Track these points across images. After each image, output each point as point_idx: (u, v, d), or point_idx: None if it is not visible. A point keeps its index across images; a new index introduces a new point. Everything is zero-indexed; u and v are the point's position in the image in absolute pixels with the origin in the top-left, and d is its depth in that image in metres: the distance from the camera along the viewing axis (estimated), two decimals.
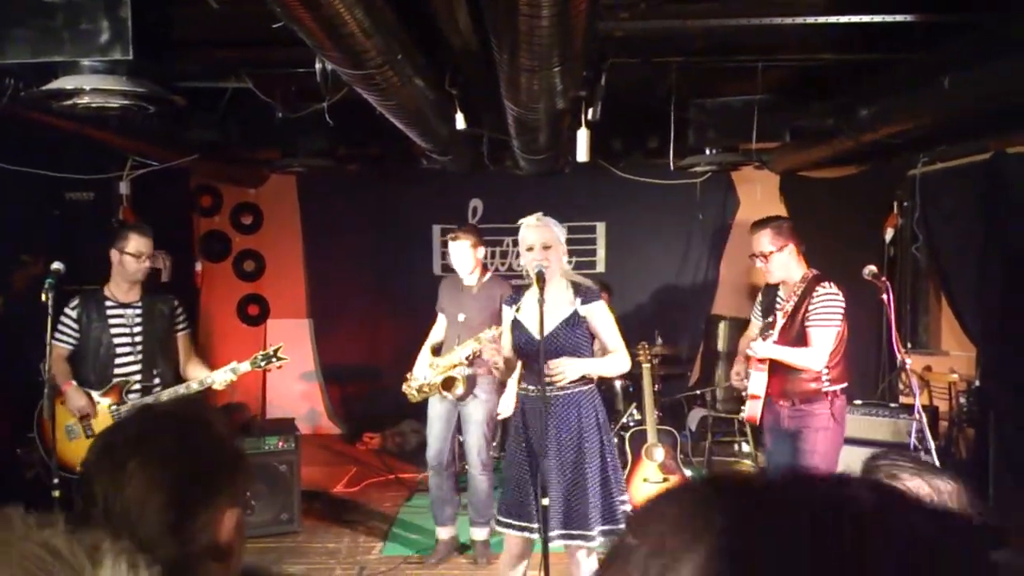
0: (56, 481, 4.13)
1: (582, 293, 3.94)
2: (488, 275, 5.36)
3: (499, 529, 4.05)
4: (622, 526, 3.83)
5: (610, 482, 3.88)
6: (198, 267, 8.33)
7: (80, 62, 3.39)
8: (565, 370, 3.77)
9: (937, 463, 3.86)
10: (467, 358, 5.00)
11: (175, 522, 1.33)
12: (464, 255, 5.23)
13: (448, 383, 5.07)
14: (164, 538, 1.32)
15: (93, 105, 3.53)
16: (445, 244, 8.43)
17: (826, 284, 4.29)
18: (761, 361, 4.39)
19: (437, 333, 5.42)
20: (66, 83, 3.42)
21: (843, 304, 4.27)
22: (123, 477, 1.34)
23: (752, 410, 4.48)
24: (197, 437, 1.43)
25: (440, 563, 5.33)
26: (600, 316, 3.96)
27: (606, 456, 3.88)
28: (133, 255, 4.53)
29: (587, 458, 3.83)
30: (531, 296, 3.88)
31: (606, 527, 3.82)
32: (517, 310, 3.96)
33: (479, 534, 5.38)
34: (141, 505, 1.33)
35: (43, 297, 4.08)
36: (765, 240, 4.40)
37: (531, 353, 3.86)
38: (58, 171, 5.92)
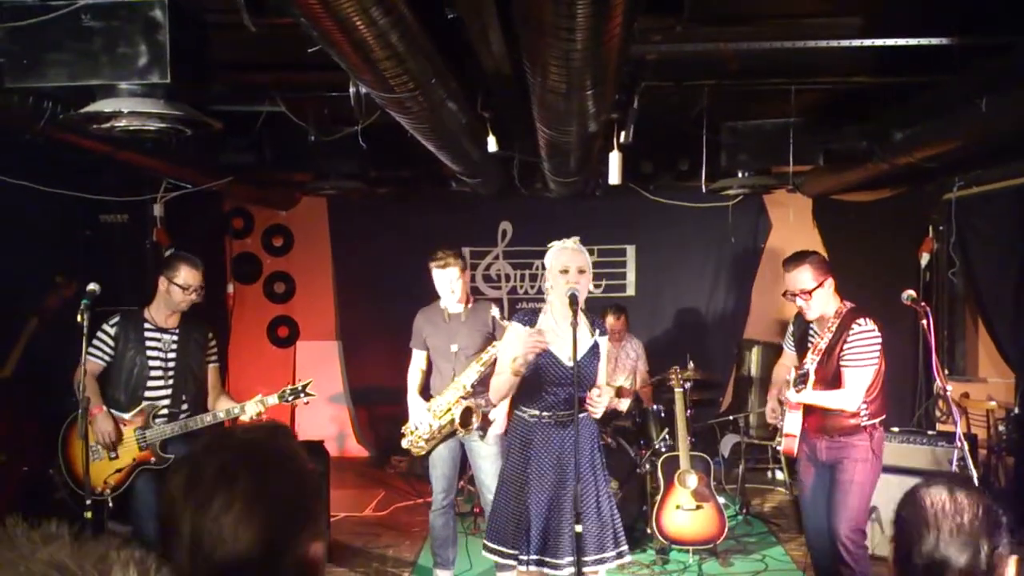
0: (89, 502, 4.13)
1: (598, 325, 3.97)
2: (471, 300, 5.07)
3: (490, 556, 3.94)
4: (625, 547, 3.83)
5: (611, 507, 3.92)
6: (230, 289, 8.39)
7: (117, 85, 3.41)
8: (605, 400, 3.77)
9: None
10: (472, 385, 4.79)
11: (264, 556, 1.31)
12: (454, 282, 4.87)
13: (466, 417, 4.79)
14: (254, 571, 1.30)
15: (130, 128, 3.54)
16: (475, 267, 8.48)
17: (862, 321, 4.13)
18: (796, 405, 4.31)
19: (417, 373, 5.06)
20: (104, 106, 3.44)
21: (880, 341, 4.14)
22: (211, 512, 1.31)
23: (788, 444, 4.38)
24: (283, 470, 1.41)
25: None
26: (605, 351, 3.99)
27: (601, 486, 3.90)
28: (181, 287, 4.55)
29: (599, 482, 3.85)
30: (551, 320, 3.84)
31: (612, 552, 3.84)
32: (538, 332, 3.88)
33: None
34: (230, 540, 1.30)
35: (79, 318, 4.10)
36: (806, 277, 4.19)
37: (556, 379, 3.80)
38: (93, 193, 5.98)
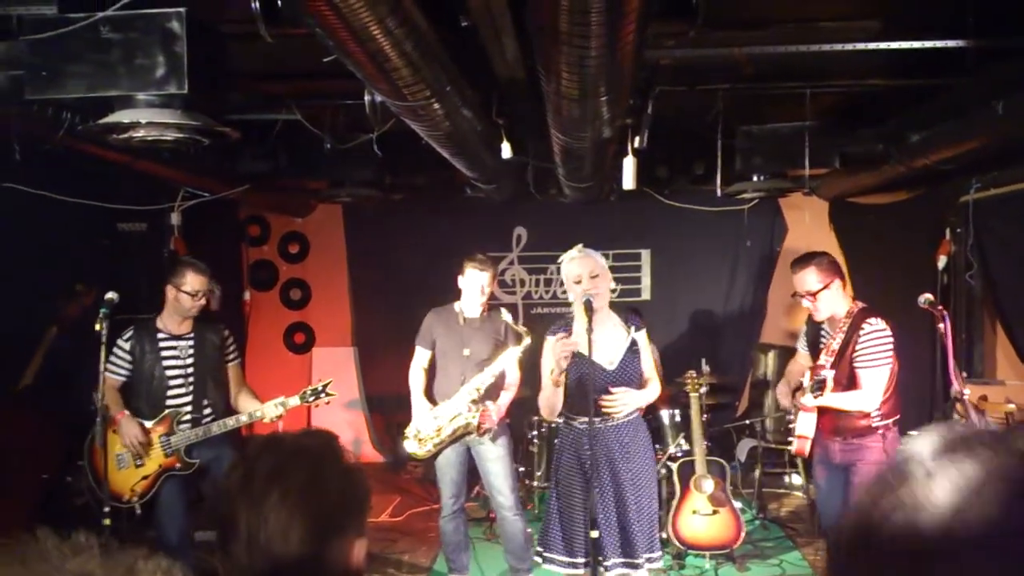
0: (107, 510, 4.17)
1: (632, 320, 3.96)
2: (486, 307, 5.04)
3: (555, 569, 3.96)
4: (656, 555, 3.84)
5: (653, 508, 3.99)
6: (246, 296, 8.44)
7: (136, 96, 3.44)
8: (628, 402, 3.78)
9: None
10: (478, 389, 4.79)
11: (314, 553, 1.40)
12: (483, 286, 4.89)
13: (481, 423, 4.80)
14: (303, 567, 1.38)
15: (148, 138, 3.58)
16: None
17: (873, 320, 4.13)
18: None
19: (420, 373, 5.04)
20: (122, 117, 3.47)
21: (892, 340, 4.14)
22: (265, 510, 1.40)
23: (800, 446, 4.38)
24: (330, 470, 1.49)
25: None
26: (645, 342, 4.02)
27: (654, 483, 3.99)
28: (189, 293, 4.58)
29: (644, 488, 3.90)
30: (582, 327, 3.85)
31: (651, 554, 3.89)
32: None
33: None
34: (283, 537, 1.38)
35: (97, 326, 4.14)
36: (811, 279, 4.23)
37: (601, 384, 3.83)
38: (111, 202, 6.02)
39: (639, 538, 3.79)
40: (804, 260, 4.32)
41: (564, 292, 7.92)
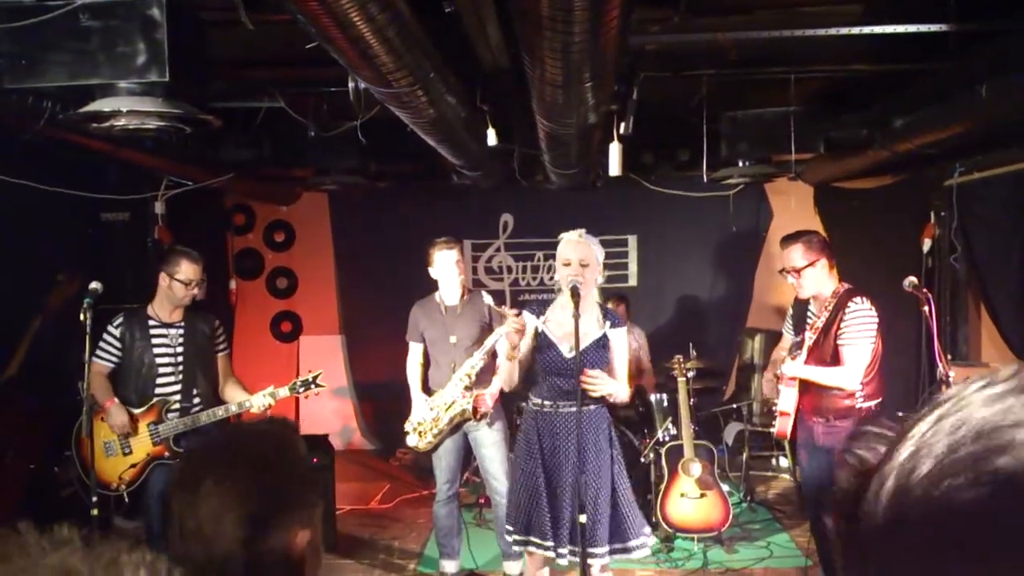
0: (95, 499, 4.16)
1: (610, 317, 3.96)
2: (467, 291, 5.05)
3: (514, 545, 4.03)
4: (632, 542, 3.82)
5: (622, 500, 3.92)
6: (232, 285, 8.41)
7: (117, 84, 3.42)
8: (602, 382, 3.77)
9: None
10: (476, 375, 4.79)
11: (247, 537, 1.35)
12: (456, 267, 4.89)
13: (476, 408, 4.83)
14: (236, 553, 1.35)
15: (130, 127, 3.56)
16: (476, 259, 8.49)
17: (858, 300, 4.17)
18: (791, 378, 4.32)
19: (416, 367, 5.06)
20: (103, 105, 3.45)
21: (876, 320, 4.17)
22: (199, 495, 1.37)
23: (782, 426, 4.40)
24: (269, 457, 1.45)
25: None
26: (620, 342, 3.98)
27: (615, 474, 3.92)
28: (183, 282, 4.57)
29: (602, 474, 3.86)
30: (559, 311, 3.85)
31: (616, 544, 3.85)
32: (544, 322, 3.91)
33: (514, 568, 5.08)
34: (215, 522, 1.35)
35: (81, 316, 4.11)
36: (796, 255, 4.29)
37: (558, 369, 3.84)
38: (94, 192, 5.98)
39: (595, 526, 3.78)
40: (793, 237, 4.38)
41: (551, 279, 7.92)
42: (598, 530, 3.79)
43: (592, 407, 3.87)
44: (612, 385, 3.86)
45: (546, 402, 3.88)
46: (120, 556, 0.88)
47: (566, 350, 3.80)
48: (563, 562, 3.86)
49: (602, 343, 3.90)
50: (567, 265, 3.84)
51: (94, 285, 4.22)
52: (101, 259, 6.07)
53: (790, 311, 4.65)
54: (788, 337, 4.63)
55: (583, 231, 3.94)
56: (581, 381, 3.72)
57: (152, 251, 6.59)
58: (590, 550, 3.73)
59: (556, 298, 3.94)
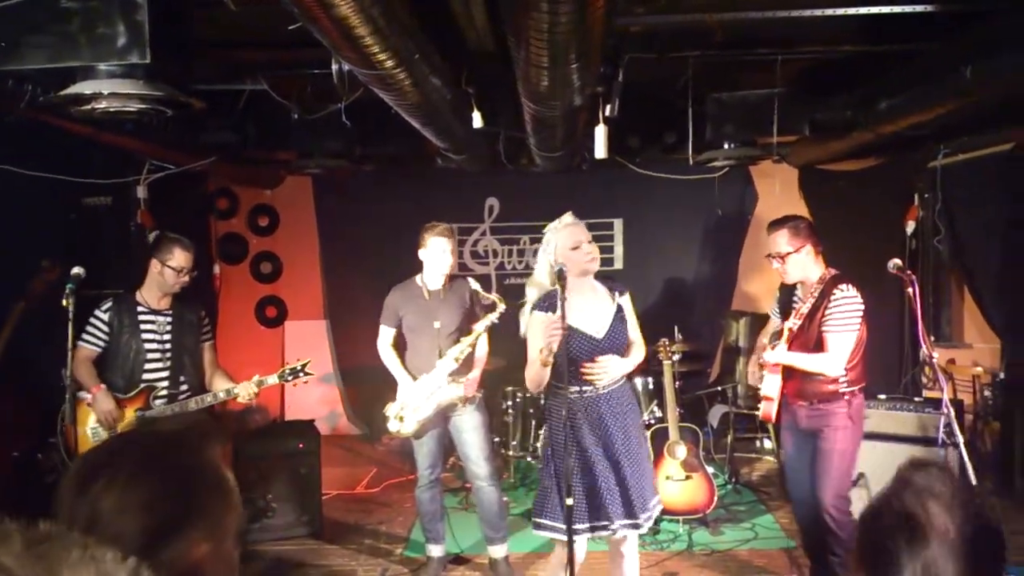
0: None
1: (615, 287, 3.98)
2: (448, 277, 4.98)
3: (557, 536, 3.88)
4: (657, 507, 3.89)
5: (648, 469, 4.03)
6: (216, 270, 8.36)
7: (97, 66, 3.38)
8: (611, 370, 3.78)
9: (967, 459, 3.79)
10: (456, 359, 4.77)
11: (142, 547, 1.21)
12: (448, 253, 4.83)
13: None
14: (120, 569, 1.24)
15: (111, 109, 3.52)
16: (462, 243, 8.46)
17: (844, 287, 4.17)
18: (775, 365, 4.34)
19: (390, 350, 5.01)
20: (84, 88, 3.41)
21: (862, 307, 4.17)
22: (87, 498, 1.25)
23: (767, 409, 4.42)
24: (175, 464, 1.33)
25: None
26: (629, 306, 4.01)
27: (644, 446, 4.02)
28: (175, 269, 4.57)
29: (637, 452, 3.90)
30: (570, 299, 3.80)
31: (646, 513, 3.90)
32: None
33: (498, 551, 5.07)
34: (106, 526, 1.23)
35: (64, 302, 4.09)
36: (782, 241, 4.28)
37: (590, 353, 3.82)
38: (76, 176, 5.92)
39: (637, 499, 3.81)
40: (779, 222, 4.37)
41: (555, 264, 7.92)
42: (643, 499, 3.85)
43: (620, 383, 3.92)
44: (623, 364, 3.88)
45: (586, 388, 3.83)
46: (63, 553, 0.82)
47: (594, 332, 3.81)
48: (619, 535, 3.89)
49: (620, 316, 3.93)
50: (576, 248, 3.82)
51: (76, 270, 4.20)
52: (83, 244, 6.01)
53: (776, 295, 4.65)
54: (775, 321, 4.64)
55: (571, 213, 3.93)
56: (584, 371, 3.76)
57: (135, 236, 6.55)
58: (648, 513, 3.87)
59: (557, 289, 3.86)
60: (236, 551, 1.36)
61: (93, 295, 4.62)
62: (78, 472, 1.30)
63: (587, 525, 3.83)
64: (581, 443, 3.83)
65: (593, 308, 3.82)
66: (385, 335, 5.03)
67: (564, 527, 3.71)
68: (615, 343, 3.85)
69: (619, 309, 3.92)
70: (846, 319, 4.13)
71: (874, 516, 1.46)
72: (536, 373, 3.78)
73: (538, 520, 3.94)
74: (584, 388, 3.83)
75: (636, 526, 3.84)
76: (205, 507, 1.31)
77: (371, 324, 5.13)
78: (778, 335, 4.34)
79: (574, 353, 3.78)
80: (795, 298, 4.40)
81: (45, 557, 0.81)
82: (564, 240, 3.86)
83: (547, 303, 3.86)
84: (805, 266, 4.28)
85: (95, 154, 5.98)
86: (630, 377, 4.39)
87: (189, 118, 4.35)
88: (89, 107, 3.52)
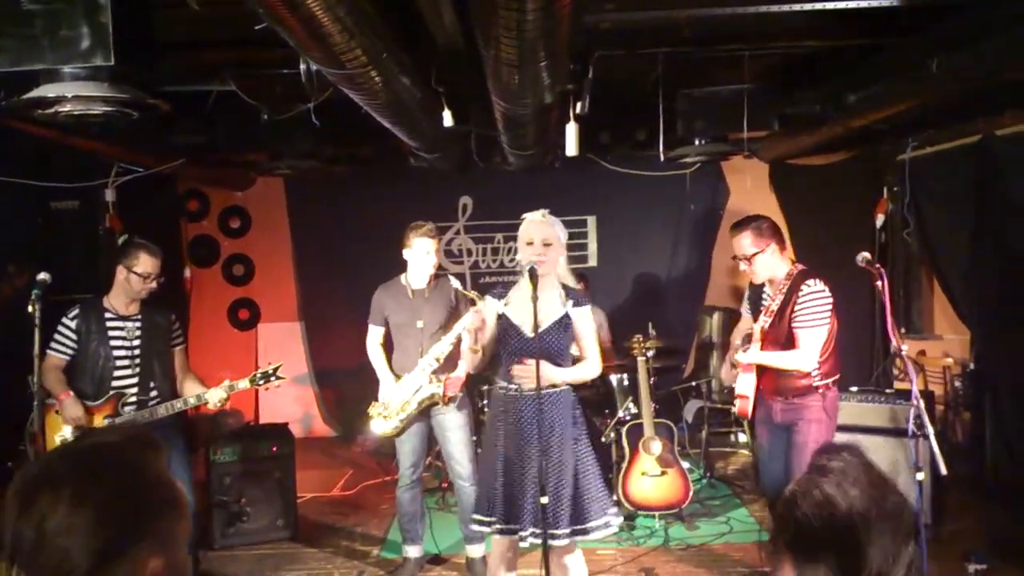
0: None
1: (573, 296, 3.92)
2: (433, 277, 4.99)
3: (479, 529, 3.97)
4: (592, 523, 3.79)
5: (583, 482, 3.84)
6: (187, 273, 8.28)
7: (61, 69, 3.33)
8: (532, 374, 3.69)
9: (936, 449, 3.83)
10: (437, 359, 4.77)
11: (90, 569, 1.22)
12: (431, 254, 4.86)
13: (444, 392, 4.82)
14: None
15: (75, 113, 3.48)
16: None
17: (811, 282, 4.19)
18: (748, 365, 4.36)
19: (378, 349, 5.01)
20: (47, 91, 3.36)
21: (830, 301, 4.20)
22: (30, 519, 1.22)
23: (742, 407, 4.45)
24: (118, 479, 1.29)
25: None
26: (585, 320, 3.93)
27: (579, 455, 3.86)
28: (141, 275, 4.51)
29: (565, 456, 3.82)
30: (520, 292, 3.83)
31: (576, 526, 3.79)
32: (506, 304, 3.90)
33: (476, 551, 5.08)
34: (52, 545, 1.21)
35: (30, 308, 4.03)
36: (747, 243, 4.31)
37: (520, 351, 3.81)
38: (42, 180, 5.86)
39: (553, 511, 3.73)
40: (742, 224, 4.38)
41: (511, 261, 7.91)
42: (560, 512, 3.76)
43: (557, 389, 3.85)
44: (559, 374, 3.82)
45: (511, 385, 3.85)
46: None
47: (527, 331, 3.78)
48: (525, 544, 3.82)
49: (564, 323, 3.87)
50: (530, 245, 3.81)
51: (42, 276, 4.13)
52: (51, 249, 5.94)
53: (747, 292, 4.67)
54: (747, 318, 4.66)
55: (546, 211, 3.92)
56: (512, 369, 3.76)
57: (104, 240, 6.47)
58: (551, 531, 3.71)
59: (519, 280, 3.90)
60: (188, 560, 1.34)
61: (60, 301, 4.56)
62: (18, 491, 1.26)
63: (495, 519, 3.81)
64: (501, 441, 3.85)
65: (538, 308, 3.77)
66: (373, 334, 5.04)
67: (483, 520, 3.85)
68: (544, 346, 3.76)
69: (565, 316, 3.87)
70: (815, 314, 4.15)
71: (794, 503, 1.50)
72: (469, 357, 3.92)
73: (476, 516, 3.96)
74: (511, 386, 3.84)
75: (551, 536, 3.69)
76: (154, 519, 1.29)
77: (345, 325, 5.12)
78: (748, 338, 4.35)
79: (506, 347, 3.84)
80: (764, 295, 4.42)
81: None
82: (520, 233, 3.89)
83: (499, 291, 3.95)
84: (772, 265, 4.31)
85: (62, 157, 5.91)
86: (601, 377, 4.40)
87: (156, 120, 4.30)
88: (53, 110, 3.47)
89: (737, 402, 4.45)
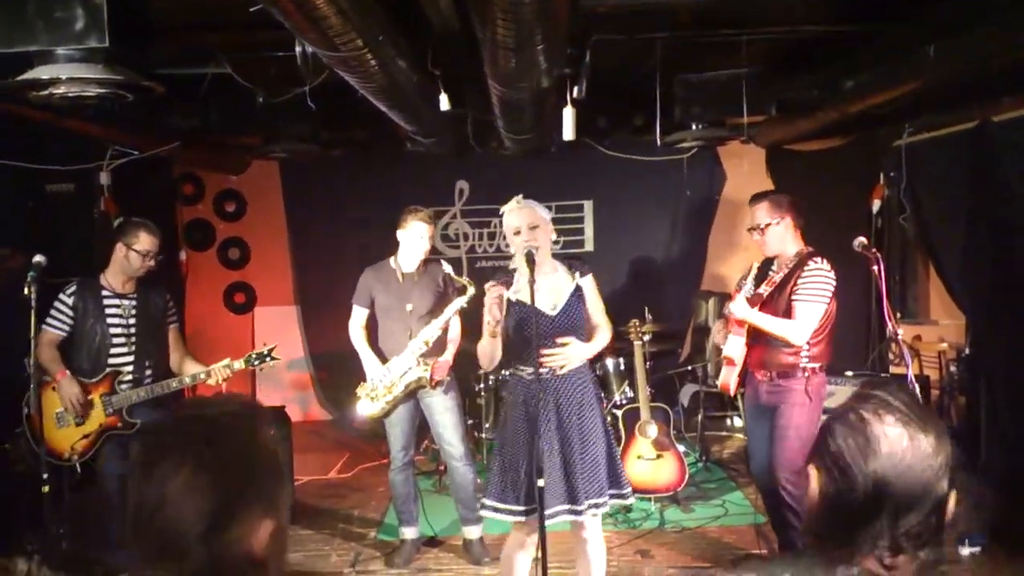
0: (45, 476, 4.11)
1: (576, 267, 3.95)
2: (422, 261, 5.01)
3: (496, 516, 3.88)
4: (627, 489, 3.84)
5: (614, 451, 3.94)
6: (182, 256, 8.27)
7: (55, 51, 3.32)
8: (569, 356, 3.76)
9: None
10: (426, 342, 4.79)
11: (206, 531, 1.29)
12: (426, 239, 4.89)
13: (432, 375, 4.83)
14: (196, 547, 1.28)
15: (69, 95, 3.46)
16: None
17: (818, 260, 4.25)
18: (740, 324, 4.35)
19: (361, 331, 5.03)
20: (41, 73, 3.35)
21: (833, 282, 4.23)
22: (153, 483, 1.30)
23: (726, 377, 4.45)
24: (237, 444, 1.38)
25: (407, 563, 5.08)
26: (592, 288, 3.97)
27: (606, 432, 3.90)
28: (140, 253, 4.56)
29: (595, 430, 3.84)
30: (525, 279, 3.82)
31: (613, 491, 3.87)
32: (517, 292, 3.88)
33: (473, 532, 5.10)
34: (173, 512, 1.28)
35: (25, 291, 4.05)
36: (762, 212, 4.37)
37: (545, 332, 3.78)
38: (37, 163, 5.83)
39: (583, 486, 3.78)
40: (761, 195, 4.47)
41: (507, 245, 7.91)
42: (594, 484, 3.80)
43: (581, 367, 3.88)
44: (584, 349, 3.85)
45: (538, 371, 3.74)
46: None
47: (548, 309, 3.80)
48: (554, 521, 3.73)
49: (579, 295, 3.90)
50: (518, 234, 3.82)
51: (38, 259, 4.17)
52: (46, 232, 5.92)
53: (754, 271, 4.59)
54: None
55: (520, 197, 3.92)
56: (543, 357, 3.72)
57: (98, 223, 6.45)
58: (594, 500, 3.79)
59: (519, 268, 3.89)
60: (287, 525, 1.42)
61: (56, 283, 4.56)
62: (141, 458, 1.34)
63: (522, 508, 3.78)
64: (524, 428, 3.81)
65: (549, 286, 3.79)
66: (357, 316, 5.04)
67: (503, 507, 3.81)
68: (570, 321, 3.82)
69: (577, 288, 3.90)
70: (817, 290, 4.18)
71: (831, 429, 1.50)
72: (484, 347, 3.81)
73: (483, 501, 3.94)
74: (541, 371, 3.79)
75: (577, 512, 3.77)
76: (263, 486, 1.38)
77: (342, 309, 5.11)
78: (744, 277, 4.37)
79: (528, 330, 3.73)
80: (770, 272, 4.44)
81: None
82: (506, 227, 3.90)
83: (505, 279, 3.92)
84: (784, 239, 4.35)
85: (56, 140, 5.88)
86: (598, 360, 4.39)
87: (151, 103, 4.28)
88: (47, 92, 3.46)
89: (723, 370, 4.45)
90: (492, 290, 3.74)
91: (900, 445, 1.43)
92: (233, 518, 1.32)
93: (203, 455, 1.32)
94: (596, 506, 3.84)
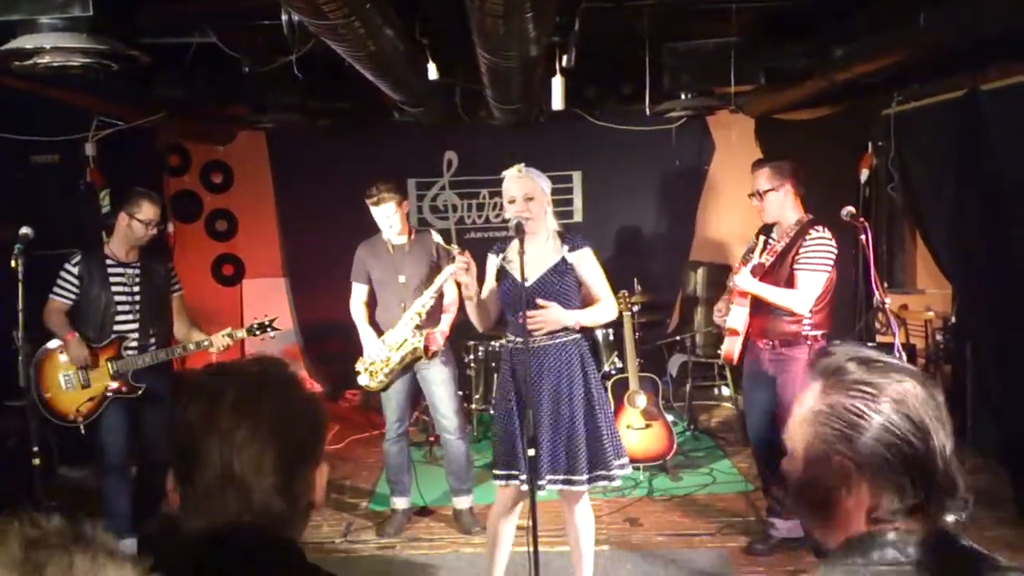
0: (36, 449, 4.15)
1: (568, 241, 3.91)
2: (413, 231, 5.08)
3: (497, 483, 3.94)
4: (614, 471, 3.86)
5: (600, 429, 3.87)
6: (169, 228, 8.22)
7: (39, 20, 3.28)
8: (546, 318, 3.75)
9: None
10: (420, 313, 4.81)
11: (284, 484, 1.40)
12: (392, 218, 4.90)
13: (428, 346, 4.86)
14: (275, 499, 1.39)
15: (54, 64, 3.42)
16: (421, 198, 8.43)
17: (820, 228, 4.28)
18: (743, 295, 4.37)
19: (361, 307, 5.09)
20: (25, 42, 3.31)
21: (835, 251, 4.26)
22: (236, 441, 1.38)
23: (729, 347, 4.47)
24: (295, 401, 1.48)
25: (398, 533, 5.13)
26: (588, 263, 3.92)
27: (594, 404, 3.87)
28: (143, 222, 4.67)
29: (576, 407, 3.82)
30: (514, 248, 3.82)
31: (598, 472, 3.85)
32: (504, 260, 3.90)
33: (463, 503, 5.16)
34: (256, 468, 1.38)
35: (12, 263, 4.05)
36: (763, 179, 4.39)
37: (514, 299, 3.80)
38: (22, 134, 5.79)
39: (584, 457, 3.79)
40: (763, 161, 4.53)
41: (497, 216, 7.90)
42: (579, 459, 3.80)
43: (559, 339, 3.84)
44: (569, 316, 3.81)
45: (517, 338, 3.83)
46: (63, 562, 0.85)
47: (529, 279, 3.81)
48: (542, 492, 3.75)
49: (559, 269, 3.85)
50: (512, 202, 3.83)
51: (24, 230, 4.21)
52: (31, 203, 5.88)
53: (760, 243, 4.59)
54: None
55: (522, 165, 3.90)
56: (528, 317, 3.71)
57: (84, 194, 6.42)
58: (572, 477, 3.80)
59: (513, 236, 3.88)
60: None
61: (41, 256, 4.56)
62: (212, 420, 1.39)
63: (518, 471, 3.81)
64: (513, 396, 3.84)
65: (531, 258, 3.77)
66: (357, 292, 5.09)
67: (505, 474, 3.86)
68: (544, 292, 3.80)
69: (561, 261, 3.87)
70: (819, 259, 4.20)
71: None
72: (471, 309, 3.93)
73: (493, 472, 3.99)
74: (517, 339, 3.83)
75: (571, 482, 3.80)
76: (321, 434, 1.53)
77: (331, 281, 5.14)
78: (751, 251, 4.37)
79: (504, 300, 3.88)
80: (770, 240, 4.46)
81: (43, 566, 0.84)
82: (503, 192, 3.92)
83: (499, 246, 3.99)
84: (783, 205, 4.36)
85: (41, 111, 5.83)
86: (587, 331, 4.39)
87: (136, 73, 4.23)
88: (31, 62, 3.42)
89: (726, 341, 4.46)
90: (461, 259, 3.77)
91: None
92: (301, 469, 1.44)
93: (270, 415, 1.41)
94: (607, 478, 3.88)
